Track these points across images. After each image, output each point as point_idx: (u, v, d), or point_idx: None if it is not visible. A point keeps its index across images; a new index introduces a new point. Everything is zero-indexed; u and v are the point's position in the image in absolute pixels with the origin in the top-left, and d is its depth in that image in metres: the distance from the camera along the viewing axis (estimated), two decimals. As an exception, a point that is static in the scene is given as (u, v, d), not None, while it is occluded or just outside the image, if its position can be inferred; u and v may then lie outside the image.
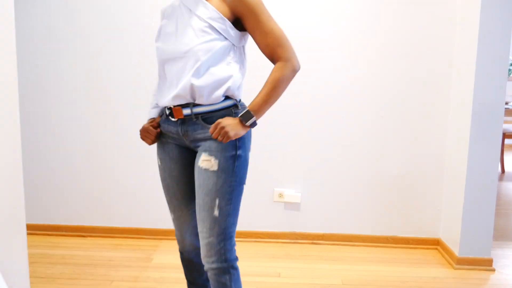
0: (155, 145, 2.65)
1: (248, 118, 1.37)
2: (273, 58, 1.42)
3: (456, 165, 2.48)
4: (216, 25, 1.35)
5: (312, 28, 2.55)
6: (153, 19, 2.55)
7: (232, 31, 1.38)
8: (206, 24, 1.35)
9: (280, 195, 2.68)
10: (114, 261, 2.42)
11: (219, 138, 1.35)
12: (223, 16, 1.36)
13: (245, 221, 2.72)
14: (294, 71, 1.41)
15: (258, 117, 1.39)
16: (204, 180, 1.39)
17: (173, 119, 1.45)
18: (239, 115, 1.37)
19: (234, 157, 1.40)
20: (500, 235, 2.89)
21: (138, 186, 2.71)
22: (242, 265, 2.39)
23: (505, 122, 4.70)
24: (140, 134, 1.52)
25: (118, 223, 2.75)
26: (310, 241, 2.71)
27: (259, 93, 1.39)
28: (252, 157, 2.67)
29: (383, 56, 2.56)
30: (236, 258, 1.45)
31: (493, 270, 2.40)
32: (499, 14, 2.23)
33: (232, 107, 1.43)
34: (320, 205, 2.70)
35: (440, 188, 2.65)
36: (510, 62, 4.49)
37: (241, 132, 1.37)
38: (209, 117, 1.41)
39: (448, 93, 2.57)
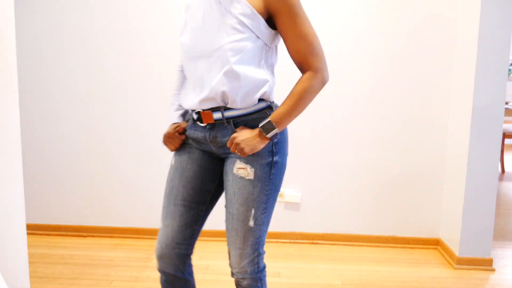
0: (154, 145, 2.66)
1: (269, 130, 1.24)
2: (302, 66, 1.31)
3: (456, 165, 2.48)
4: (248, 22, 1.21)
5: (312, 28, 2.54)
6: (156, 18, 2.55)
7: (266, 30, 1.24)
8: (237, 21, 1.20)
9: (280, 195, 2.68)
10: (114, 261, 2.43)
11: (233, 150, 1.26)
12: (256, 13, 1.21)
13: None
14: (323, 83, 1.30)
15: (280, 129, 1.26)
16: (240, 189, 1.29)
17: (201, 124, 1.33)
18: (260, 126, 1.25)
19: (271, 164, 1.30)
20: (500, 235, 2.89)
21: (138, 186, 2.71)
22: (242, 265, 2.40)
23: (505, 122, 4.71)
24: (163, 139, 1.40)
25: (118, 223, 2.75)
26: (310, 241, 2.71)
27: (284, 103, 1.28)
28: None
29: (383, 56, 2.56)
30: (265, 264, 1.39)
31: (493, 270, 2.40)
32: (499, 14, 2.23)
33: (266, 109, 1.31)
34: (320, 205, 2.70)
35: (440, 188, 2.65)
36: (510, 62, 4.49)
37: (259, 146, 1.25)
38: (242, 121, 1.29)
39: (448, 93, 2.57)
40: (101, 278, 2.22)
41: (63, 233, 2.77)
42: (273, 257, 2.50)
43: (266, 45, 1.28)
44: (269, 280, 2.24)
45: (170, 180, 1.38)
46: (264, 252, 1.37)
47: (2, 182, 1.44)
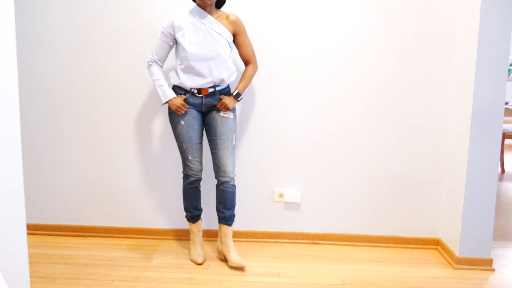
0: (154, 145, 2.66)
1: (238, 96, 2.33)
2: (247, 61, 2.38)
3: (456, 165, 2.48)
4: (229, 40, 2.28)
5: (312, 29, 2.55)
6: (156, 18, 2.56)
7: (231, 43, 2.33)
8: (224, 40, 2.25)
9: (280, 195, 2.69)
10: (114, 261, 2.43)
11: (221, 108, 2.29)
12: (231, 34, 2.29)
13: (245, 221, 2.72)
14: (256, 69, 2.41)
15: (242, 94, 2.34)
16: (227, 123, 2.30)
17: (198, 95, 2.29)
18: (234, 95, 2.31)
19: (235, 112, 2.38)
20: (500, 235, 2.89)
21: (138, 186, 2.72)
22: (242, 265, 2.39)
23: (505, 122, 4.70)
24: (178, 109, 2.26)
25: (118, 223, 2.75)
26: (310, 241, 2.71)
27: (241, 81, 2.35)
28: (252, 157, 2.67)
29: (383, 56, 2.56)
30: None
31: (493, 270, 2.40)
32: (499, 14, 2.23)
33: (229, 85, 2.39)
34: (320, 205, 2.70)
35: (440, 188, 2.65)
36: (510, 62, 4.49)
37: (234, 104, 2.33)
38: (223, 92, 2.33)
39: (448, 93, 2.57)
40: (101, 278, 2.22)
41: (63, 233, 2.77)
42: (273, 257, 2.51)
43: (231, 51, 2.35)
44: (269, 280, 2.24)
45: (186, 133, 2.30)
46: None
47: (2, 182, 1.44)
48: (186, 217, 2.47)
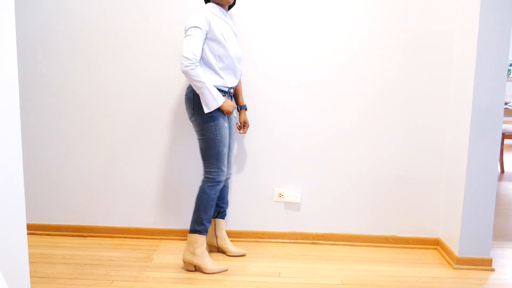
0: (155, 145, 2.66)
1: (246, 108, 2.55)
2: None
3: (456, 165, 2.48)
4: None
5: (312, 31, 2.55)
6: (156, 18, 2.56)
7: None
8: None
9: (280, 195, 2.69)
10: (114, 261, 2.43)
11: (244, 128, 2.51)
12: None
13: (245, 221, 2.72)
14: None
15: None
16: (235, 124, 2.43)
17: (231, 95, 2.33)
18: (246, 109, 2.55)
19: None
20: (499, 235, 2.89)
21: (139, 186, 2.72)
22: (242, 265, 2.40)
23: (505, 122, 4.71)
24: (231, 111, 2.23)
25: (118, 223, 2.75)
26: (310, 241, 2.71)
27: (241, 93, 2.50)
28: (252, 157, 2.67)
29: (383, 56, 2.56)
30: None
31: (493, 270, 2.41)
32: (499, 14, 2.24)
33: None
34: (320, 205, 2.70)
35: (440, 188, 2.65)
36: (510, 62, 4.49)
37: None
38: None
39: (448, 93, 2.57)
40: (101, 278, 2.23)
41: (64, 233, 2.77)
42: (273, 257, 2.51)
43: None
44: (269, 280, 2.24)
45: (226, 136, 2.25)
46: None
47: (2, 182, 1.45)
48: (199, 229, 2.25)
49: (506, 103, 4.44)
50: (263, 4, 2.54)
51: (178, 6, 2.54)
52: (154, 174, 2.70)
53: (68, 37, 2.61)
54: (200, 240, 2.28)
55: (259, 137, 2.64)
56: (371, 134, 2.63)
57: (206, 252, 2.31)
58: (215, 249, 2.53)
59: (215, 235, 2.49)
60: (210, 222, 2.30)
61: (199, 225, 2.26)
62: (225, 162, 2.29)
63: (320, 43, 2.56)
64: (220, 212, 2.49)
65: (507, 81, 4.63)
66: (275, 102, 2.61)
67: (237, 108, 2.51)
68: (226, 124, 2.25)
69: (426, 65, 2.55)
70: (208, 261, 2.29)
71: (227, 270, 2.32)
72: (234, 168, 2.67)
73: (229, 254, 2.47)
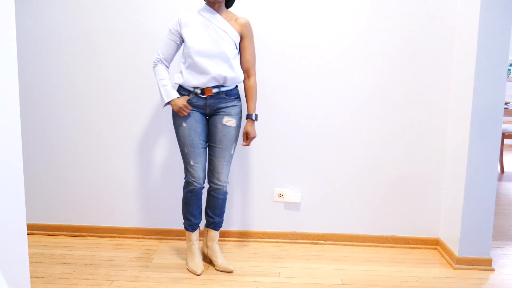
0: (155, 145, 2.66)
1: (256, 117, 2.30)
2: (248, 71, 2.28)
3: (456, 165, 2.48)
4: (235, 40, 2.21)
5: (312, 30, 2.55)
6: (156, 18, 2.56)
7: (238, 45, 2.25)
8: (230, 39, 2.18)
9: (280, 195, 2.69)
10: (114, 261, 2.43)
11: (247, 140, 2.30)
12: (238, 34, 2.22)
13: (245, 221, 2.72)
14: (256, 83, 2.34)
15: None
16: (228, 132, 2.24)
17: (202, 96, 2.20)
18: (254, 118, 2.28)
19: (241, 120, 2.31)
20: (499, 235, 2.89)
21: (139, 186, 2.72)
22: (242, 265, 2.40)
23: (505, 122, 4.71)
24: (180, 111, 2.18)
25: (118, 223, 2.75)
26: (310, 241, 2.72)
27: (251, 101, 2.30)
28: (253, 157, 2.67)
29: (383, 56, 2.56)
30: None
31: (493, 270, 2.41)
32: (499, 14, 2.24)
33: (237, 86, 2.30)
34: (320, 205, 2.70)
35: (440, 188, 2.65)
36: (510, 62, 4.49)
37: (254, 128, 2.31)
38: (230, 93, 2.25)
39: (448, 93, 2.57)
40: (101, 278, 2.23)
41: (64, 233, 2.77)
42: (273, 257, 2.51)
43: (238, 53, 2.26)
44: (269, 280, 2.24)
45: (189, 136, 2.22)
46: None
47: (2, 182, 1.45)
48: (184, 225, 2.35)
49: (506, 103, 4.44)
50: (261, 3, 2.54)
51: (180, 7, 2.54)
52: (154, 174, 2.70)
53: (69, 38, 2.61)
54: (189, 236, 2.36)
55: (259, 137, 2.64)
56: (371, 134, 2.63)
57: (194, 248, 2.35)
58: (207, 258, 2.42)
59: (207, 245, 2.41)
60: (194, 219, 2.33)
61: (184, 220, 2.36)
62: (192, 164, 2.21)
63: (320, 43, 2.56)
64: (211, 222, 2.36)
65: (507, 81, 4.63)
66: (275, 102, 2.61)
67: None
68: (184, 124, 2.20)
69: (426, 65, 2.55)
70: (190, 258, 2.34)
71: (199, 275, 2.26)
72: (234, 168, 2.67)
73: (216, 267, 2.33)
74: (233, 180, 2.69)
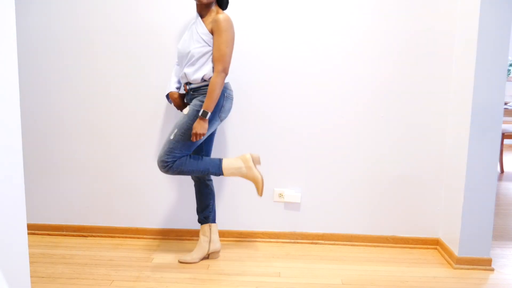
0: (155, 145, 2.66)
1: (205, 114, 2.18)
2: (214, 67, 2.23)
3: (456, 165, 2.48)
4: (204, 37, 2.22)
5: (312, 30, 2.55)
6: (156, 19, 2.56)
7: (211, 41, 2.24)
8: (199, 38, 2.22)
9: (280, 195, 2.69)
10: (115, 261, 2.43)
11: (196, 139, 2.21)
12: (207, 32, 2.22)
13: (245, 221, 2.72)
14: (223, 78, 2.22)
15: (210, 111, 2.19)
16: (180, 119, 2.26)
17: (183, 91, 2.44)
18: (200, 115, 2.18)
19: (198, 112, 2.23)
20: (499, 235, 2.89)
21: (139, 186, 2.72)
22: (242, 265, 2.40)
23: (504, 122, 4.71)
24: (172, 102, 2.42)
25: (119, 223, 2.75)
26: (310, 241, 2.72)
27: (206, 96, 2.19)
28: (252, 157, 2.67)
29: (383, 56, 2.56)
30: (169, 164, 2.25)
31: (492, 270, 2.41)
32: (499, 14, 2.24)
33: (206, 84, 2.27)
34: (320, 205, 2.70)
35: (440, 188, 2.65)
36: (510, 62, 4.49)
37: (204, 125, 2.19)
38: (196, 90, 2.29)
39: (447, 93, 2.57)
40: (101, 278, 2.23)
41: (64, 233, 2.77)
42: (273, 257, 2.51)
43: (211, 49, 2.25)
44: (269, 280, 2.25)
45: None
46: (170, 159, 2.24)
47: (2, 182, 1.45)
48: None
49: (506, 103, 4.44)
50: (260, 4, 2.54)
51: (181, 7, 2.54)
52: (154, 174, 2.70)
53: (70, 38, 2.61)
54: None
55: (259, 137, 2.64)
56: (371, 134, 2.63)
57: (201, 241, 2.46)
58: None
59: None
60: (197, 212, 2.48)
61: None
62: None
63: (319, 43, 2.56)
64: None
65: (507, 81, 4.63)
66: (275, 102, 2.61)
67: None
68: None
69: (426, 65, 2.56)
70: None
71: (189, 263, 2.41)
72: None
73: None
74: (233, 180, 2.69)
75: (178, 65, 2.42)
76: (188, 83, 2.31)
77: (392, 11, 2.52)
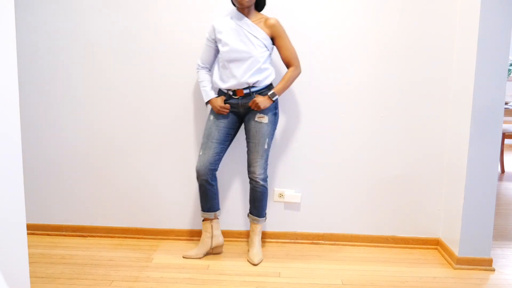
0: (155, 145, 2.66)
1: (273, 96, 2.32)
2: (288, 64, 2.36)
3: (456, 165, 2.48)
4: (266, 42, 2.30)
5: (313, 30, 2.55)
6: (157, 20, 2.56)
7: (270, 45, 2.35)
8: (260, 42, 2.29)
9: (280, 195, 2.69)
10: (114, 261, 2.43)
11: (253, 107, 2.30)
12: (268, 37, 2.31)
13: (245, 221, 2.72)
14: (299, 73, 2.39)
15: (279, 95, 2.34)
16: (261, 127, 2.35)
17: (235, 97, 2.35)
18: (269, 94, 2.31)
19: (275, 116, 2.39)
20: (499, 235, 2.89)
21: (139, 186, 2.72)
22: (242, 265, 2.40)
23: (505, 122, 4.71)
24: (220, 111, 2.35)
25: (118, 223, 2.75)
26: (310, 241, 2.72)
27: (280, 82, 2.34)
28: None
29: (383, 56, 2.56)
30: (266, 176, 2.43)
31: (493, 270, 2.41)
32: (499, 14, 2.24)
33: (269, 86, 2.37)
34: (320, 205, 2.70)
35: (440, 188, 2.65)
36: (510, 62, 4.49)
37: (267, 104, 2.32)
38: (260, 92, 2.34)
39: (448, 93, 2.57)
40: (101, 278, 2.23)
41: (63, 233, 2.77)
42: (273, 257, 2.51)
43: (270, 54, 2.37)
44: (269, 280, 2.24)
45: (209, 128, 2.39)
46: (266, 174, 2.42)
47: (2, 182, 1.45)
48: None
49: (506, 103, 4.44)
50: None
51: (181, 7, 2.54)
52: (154, 174, 2.70)
53: (69, 38, 2.61)
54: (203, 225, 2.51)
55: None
56: (371, 134, 2.63)
57: (203, 237, 2.48)
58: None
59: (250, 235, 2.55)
60: (205, 211, 2.45)
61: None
62: (200, 153, 2.38)
63: (319, 43, 2.56)
64: (250, 212, 2.51)
65: (507, 81, 4.63)
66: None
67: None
68: (211, 117, 2.40)
69: (426, 65, 2.55)
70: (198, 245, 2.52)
71: (193, 258, 2.46)
72: (234, 168, 2.67)
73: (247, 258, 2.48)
74: (233, 180, 2.69)
75: (205, 68, 2.42)
76: (249, 87, 2.31)
77: (392, 12, 2.52)
